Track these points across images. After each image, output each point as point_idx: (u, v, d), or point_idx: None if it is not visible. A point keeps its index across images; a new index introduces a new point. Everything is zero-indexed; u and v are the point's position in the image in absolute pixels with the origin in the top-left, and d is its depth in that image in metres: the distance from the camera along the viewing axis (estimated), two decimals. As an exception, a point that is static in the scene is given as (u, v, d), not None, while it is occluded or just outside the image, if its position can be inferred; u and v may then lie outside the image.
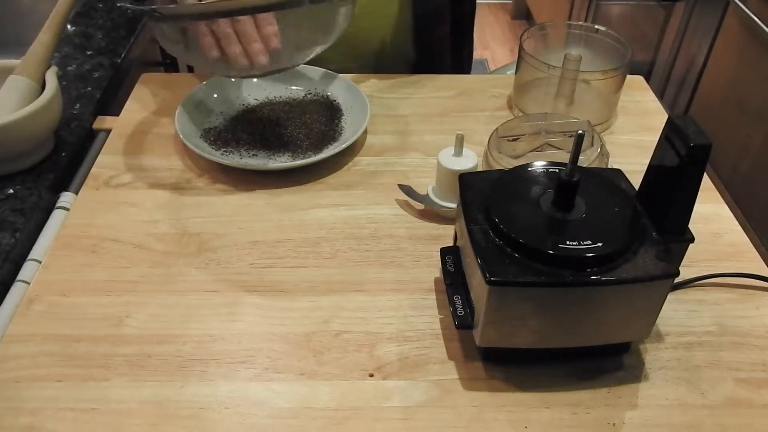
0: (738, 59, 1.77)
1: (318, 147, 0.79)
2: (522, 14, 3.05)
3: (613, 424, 0.53)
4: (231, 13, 0.63)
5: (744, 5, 1.68)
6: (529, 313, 0.52)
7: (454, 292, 0.57)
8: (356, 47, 0.92)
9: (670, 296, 0.61)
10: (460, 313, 0.55)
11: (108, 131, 0.84)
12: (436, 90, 0.92)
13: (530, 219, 0.53)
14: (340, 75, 0.88)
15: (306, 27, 0.70)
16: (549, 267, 0.50)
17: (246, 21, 0.66)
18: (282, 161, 0.77)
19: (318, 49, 0.73)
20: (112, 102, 0.93)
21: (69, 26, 1.03)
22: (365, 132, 0.82)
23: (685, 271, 0.61)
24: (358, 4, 0.74)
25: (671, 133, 0.51)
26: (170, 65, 1.27)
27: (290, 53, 0.72)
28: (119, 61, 0.96)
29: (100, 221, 0.70)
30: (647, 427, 0.53)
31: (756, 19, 1.62)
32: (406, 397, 0.54)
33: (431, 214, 0.72)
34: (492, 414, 0.53)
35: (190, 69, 1.35)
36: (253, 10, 0.64)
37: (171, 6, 0.65)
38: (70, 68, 0.93)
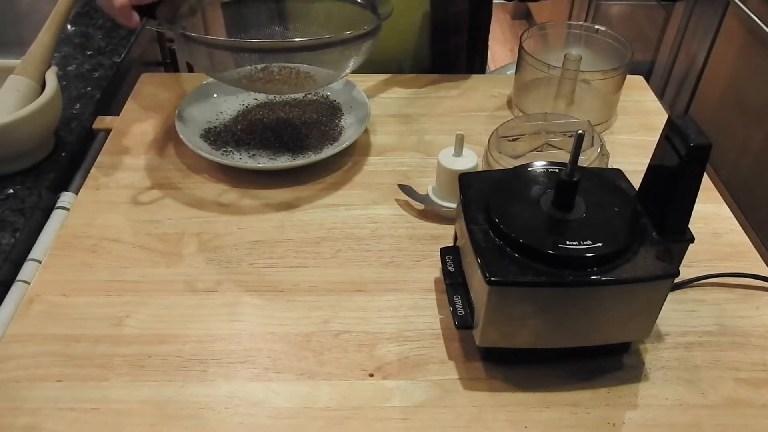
0: (738, 59, 1.77)
1: (318, 147, 0.79)
2: (522, 14, 3.05)
3: (613, 424, 0.53)
4: (261, 50, 0.65)
5: (744, 5, 1.68)
6: (529, 313, 0.52)
7: (454, 292, 0.57)
8: (372, 54, 0.92)
9: (670, 296, 0.61)
10: (460, 313, 0.55)
11: (108, 131, 0.84)
12: (436, 90, 0.92)
13: (530, 219, 0.53)
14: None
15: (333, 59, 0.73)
16: (549, 267, 0.50)
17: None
18: (282, 161, 0.77)
19: (345, 72, 0.75)
20: (112, 102, 0.93)
21: (69, 26, 1.03)
22: (365, 132, 0.82)
23: (685, 271, 0.61)
24: None
25: (671, 133, 0.51)
26: (170, 65, 1.27)
27: (318, 80, 0.74)
28: (119, 61, 0.96)
29: (100, 221, 0.70)
30: (647, 427, 0.53)
31: (756, 19, 1.62)
32: (406, 397, 0.54)
33: (431, 214, 0.72)
34: (492, 414, 0.53)
35: (190, 69, 1.35)
36: (284, 51, 0.66)
37: (203, 36, 0.67)
38: (70, 68, 0.93)
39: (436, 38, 0.96)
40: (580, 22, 0.93)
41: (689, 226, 0.55)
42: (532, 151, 0.74)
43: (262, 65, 0.77)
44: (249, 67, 0.74)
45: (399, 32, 0.95)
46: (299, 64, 0.79)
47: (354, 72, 0.89)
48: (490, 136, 0.74)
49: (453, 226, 0.65)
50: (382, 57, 0.96)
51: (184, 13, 0.74)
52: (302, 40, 0.74)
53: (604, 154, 0.73)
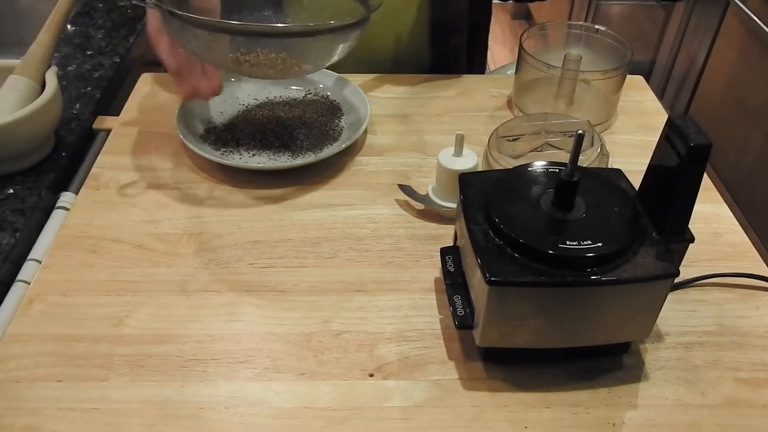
0: (738, 59, 1.77)
1: (318, 147, 0.79)
2: (522, 14, 3.05)
3: (613, 424, 0.53)
4: (246, 33, 0.65)
5: (744, 5, 1.68)
6: (529, 313, 0.52)
7: (454, 292, 0.57)
8: (371, 54, 0.92)
9: (670, 296, 0.61)
10: (460, 313, 0.55)
11: (108, 131, 0.84)
12: (436, 90, 0.92)
13: (530, 219, 0.53)
14: (341, 75, 0.88)
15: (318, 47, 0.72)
16: (549, 267, 0.50)
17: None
18: (282, 161, 0.77)
19: (330, 61, 0.74)
20: (112, 102, 0.93)
21: (69, 26, 1.03)
22: (365, 132, 0.82)
23: (685, 271, 0.61)
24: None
25: (671, 133, 0.51)
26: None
27: (303, 67, 0.74)
28: (119, 61, 0.96)
29: (100, 221, 0.70)
30: (647, 427, 0.53)
31: (756, 19, 1.62)
32: (406, 397, 0.54)
33: (431, 214, 0.72)
34: (492, 414, 0.53)
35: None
36: (270, 35, 0.65)
37: (190, 15, 0.66)
38: (70, 68, 0.93)
39: (436, 38, 0.96)
40: (580, 22, 0.93)
41: (689, 226, 0.55)
42: (532, 151, 0.74)
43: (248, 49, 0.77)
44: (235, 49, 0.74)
45: (398, 31, 0.95)
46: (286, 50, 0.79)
47: (353, 72, 0.90)
48: (490, 136, 0.74)
49: (453, 226, 0.65)
50: (381, 56, 0.96)
51: None
52: (287, 26, 0.73)
53: (604, 154, 0.73)
